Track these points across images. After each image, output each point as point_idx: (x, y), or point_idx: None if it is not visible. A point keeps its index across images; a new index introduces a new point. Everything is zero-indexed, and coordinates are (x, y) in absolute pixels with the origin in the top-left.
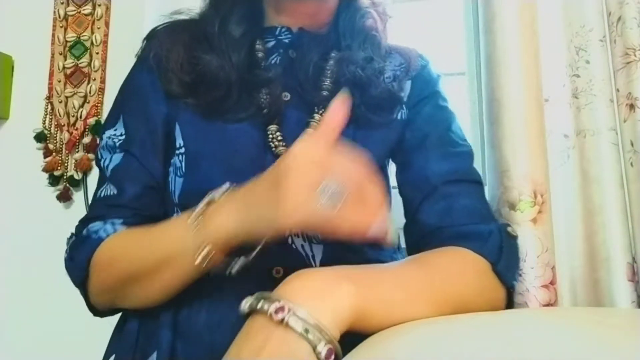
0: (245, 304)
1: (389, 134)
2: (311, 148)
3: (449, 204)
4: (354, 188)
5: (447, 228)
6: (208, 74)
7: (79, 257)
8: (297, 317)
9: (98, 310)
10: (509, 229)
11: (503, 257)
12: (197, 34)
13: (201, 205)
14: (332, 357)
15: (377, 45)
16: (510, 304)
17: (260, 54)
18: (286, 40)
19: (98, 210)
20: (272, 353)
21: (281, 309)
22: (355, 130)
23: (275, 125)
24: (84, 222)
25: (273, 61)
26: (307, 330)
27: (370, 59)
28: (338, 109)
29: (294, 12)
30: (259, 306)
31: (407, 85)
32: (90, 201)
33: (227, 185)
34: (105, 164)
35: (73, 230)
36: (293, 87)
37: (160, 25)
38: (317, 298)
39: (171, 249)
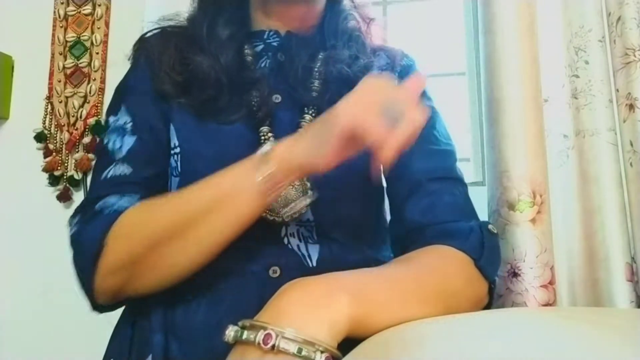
0: (229, 334)
1: None
2: (377, 81)
3: (432, 201)
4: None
5: (431, 226)
6: (200, 74)
7: (94, 230)
8: (287, 340)
9: (98, 304)
10: (490, 226)
11: (484, 253)
12: (187, 37)
13: (262, 149)
14: None
15: (362, 44)
16: (491, 298)
17: (249, 58)
18: (275, 44)
19: (108, 188)
20: None
21: (268, 335)
22: None
23: (267, 127)
24: (92, 201)
25: (262, 64)
26: (300, 350)
27: (355, 57)
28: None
29: (283, 15)
30: (244, 337)
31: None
32: (90, 184)
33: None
34: (116, 146)
35: (74, 213)
36: (283, 89)
37: (148, 31)
38: (310, 312)
39: (232, 183)
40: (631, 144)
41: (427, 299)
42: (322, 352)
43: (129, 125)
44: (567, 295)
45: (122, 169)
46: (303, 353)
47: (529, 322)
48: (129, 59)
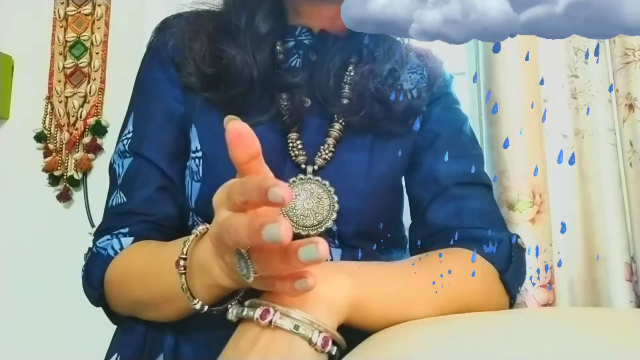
0: (232, 312)
1: (408, 140)
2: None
3: (459, 206)
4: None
5: (457, 229)
6: (232, 69)
7: (92, 276)
8: (285, 316)
9: (117, 317)
10: (519, 240)
11: (511, 267)
12: (222, 26)
13: (185, 247)
14: (330, 344)
15: (401, 53)
16: None
17: (280, 56)
18: (306, 42)
19: (108, 221)
20: (260, 353)
21: (266, 311)
22: (373, 140)
23: (295, 133)
24: (96, 236)
25: (293, 63)
26: (297, 327)
27: (394, 72)
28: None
29: (311, 14)
30: (244, 313)
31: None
32: (103, 209)
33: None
34: (119, 171)
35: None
36: (313, 93)
37: (176, 15)
38: (310, 292)
39: (168, 290)
40: (631, 144)
41: (437, 302)
42: (320, 332)
43: (128, 141)
44: (567, 295)
45: (119, 198)
46: (300, 330)
47: (529, 322)
48: (148, 44)
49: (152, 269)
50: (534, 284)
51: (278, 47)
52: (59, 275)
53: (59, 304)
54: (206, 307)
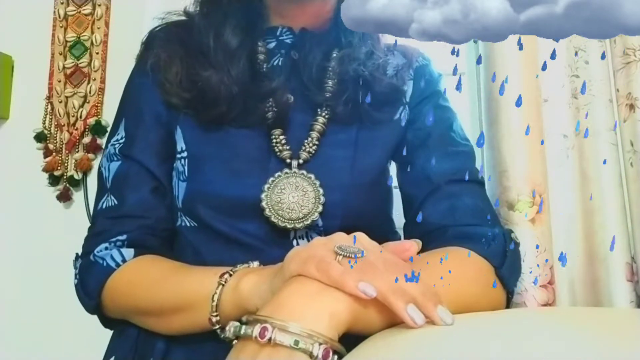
0: (229, 330)
1: (391, 134)
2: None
3: (452, 204)
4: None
5: (451, 227)
6: (209, 92)
7: (89, 285)
8: (284, 332)
9: (110, 322)
10: (513, 235)
11: (507, 262)
12: (193, 47)
13: (236, 267)
14: (331, 354)
15: (377, 39)
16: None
17: (261, 56)
18: (288, 41)
19: (100, 224)
20: None
21: (264, 329)
22: (358, 131)
23: (279, 129)
24: (89, 240)
25: (275, 62)
26: (297, 342)
27: (371, 53)
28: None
29: (294, 14)
30: (242, 332)
31: (409, 83)
32: (91, 212)
33: (257, 263)
34: (106, 174)
35: (79, 250)
36: (296, 89)
37: (156, 27)
38: (310, 303)
39: (196, 296)
40: (631, 144)
41: None
42: (320, 344)
43: (119, 145)
44: (567, 295)
45: (110, 201)
46: (300, 345)
47: (529, 322)
48: (136, 58)
49: (181, 275)
50: (535, 281)
51: (260, 48)
52: (59, 276)
53: (59, 304)
54: (217, 323)
